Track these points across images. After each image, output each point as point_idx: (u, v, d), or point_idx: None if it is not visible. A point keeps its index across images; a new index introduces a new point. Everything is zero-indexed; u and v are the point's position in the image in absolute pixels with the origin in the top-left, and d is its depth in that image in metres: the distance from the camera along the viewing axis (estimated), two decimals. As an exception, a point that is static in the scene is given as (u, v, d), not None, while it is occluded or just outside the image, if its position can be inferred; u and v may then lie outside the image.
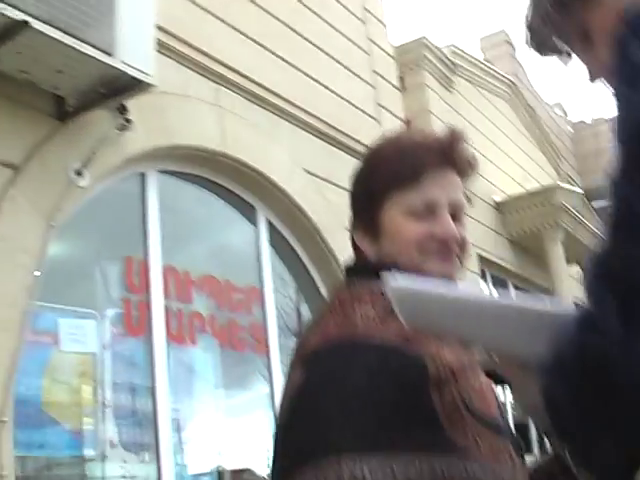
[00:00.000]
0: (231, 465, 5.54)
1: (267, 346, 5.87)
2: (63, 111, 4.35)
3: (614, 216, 0.87)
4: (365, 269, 1.51)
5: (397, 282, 1.14)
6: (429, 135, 1.60)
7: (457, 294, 1.12)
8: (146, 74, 4.23)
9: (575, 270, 11.99)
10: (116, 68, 4.08)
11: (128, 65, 4.12)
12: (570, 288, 10.69)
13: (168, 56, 5.20)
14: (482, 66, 12.06)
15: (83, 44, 3.89)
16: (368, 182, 1.56)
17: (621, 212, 0.86)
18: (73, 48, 3.86)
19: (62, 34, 3.80)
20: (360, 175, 1.61)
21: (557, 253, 11.25)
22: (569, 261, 11.57)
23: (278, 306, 6.12)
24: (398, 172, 1.50)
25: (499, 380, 1.33)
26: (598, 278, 0.86)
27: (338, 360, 1.36)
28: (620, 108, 0.94)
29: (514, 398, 1.28)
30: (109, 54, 4.02)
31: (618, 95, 0.96)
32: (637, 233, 0.83)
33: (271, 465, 1.44)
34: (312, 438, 1.30)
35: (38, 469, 4.25)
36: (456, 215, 1.53)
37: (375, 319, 1.39)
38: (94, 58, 3.97)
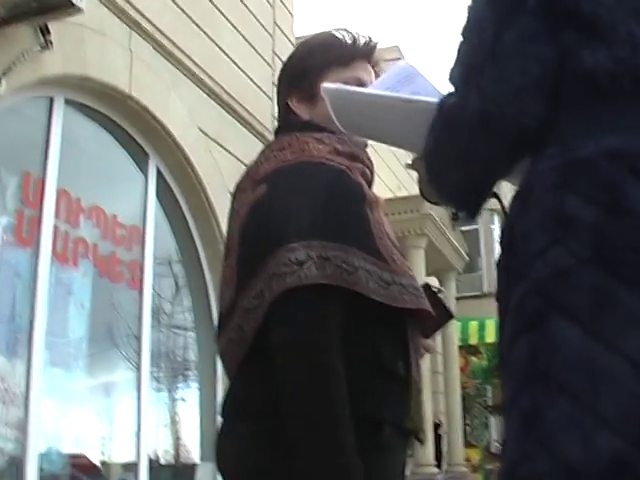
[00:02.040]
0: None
1: (141, 283, 6.18)
2: (-9, 19, 4.55)
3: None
4: (303, 125, 1.90)
5: (332, 85, 1.56)
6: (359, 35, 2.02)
7: (379, 93, 1.52)
8: (79, -3, 4.50)
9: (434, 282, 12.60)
10: (53, -15, 4.34)
11: (65, -15, 4.39)
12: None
13: (92, -8, 5.44)
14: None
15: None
16: (309, 59, 1.96)
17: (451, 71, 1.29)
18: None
19: (9, -58, 4.04)
20: (300, 54, 2.00)
21: (419, 261, 11.73)
22: (428, 273, 12.14)
23: (156, 250, 6.42)
24: (337, 53, 1.92)
25: None
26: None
27: (300, 173, 1.73)
28: None
29: (423, 187, 1.67)
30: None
31: None
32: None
33: (236, 272, 1.73)
34: (282, 229, 1.63)
35: None
36: None
37: (325, 151, 1.80)
38: (34, -28, 4.22)
